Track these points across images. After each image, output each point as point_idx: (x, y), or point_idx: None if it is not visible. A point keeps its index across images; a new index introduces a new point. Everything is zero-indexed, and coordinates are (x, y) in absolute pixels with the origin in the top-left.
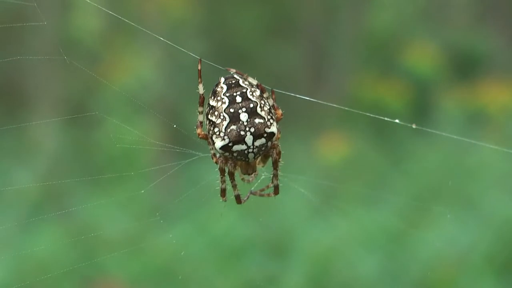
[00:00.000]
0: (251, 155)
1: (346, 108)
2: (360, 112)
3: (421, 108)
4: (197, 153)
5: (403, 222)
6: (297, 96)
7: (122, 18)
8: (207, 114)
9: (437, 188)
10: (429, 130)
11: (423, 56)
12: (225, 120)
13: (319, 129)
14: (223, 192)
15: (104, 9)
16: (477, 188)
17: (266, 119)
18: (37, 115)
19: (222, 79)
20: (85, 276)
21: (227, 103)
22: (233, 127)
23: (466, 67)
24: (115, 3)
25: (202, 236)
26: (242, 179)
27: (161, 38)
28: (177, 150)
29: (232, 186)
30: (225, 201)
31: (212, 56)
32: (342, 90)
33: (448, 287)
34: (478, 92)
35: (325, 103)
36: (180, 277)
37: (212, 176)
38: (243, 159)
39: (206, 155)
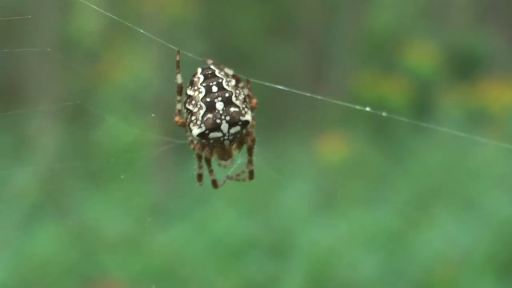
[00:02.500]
0: (226, 142)
1: (339, 102)
2: (346, 105)
3: (421, 107)
4: (174, 140)
5: (403, 222)
6: (293, 91)
7: (118, 19)
8: (184, 103)
9: (437, 188)
10: (407, 120)
11: (423, 56)
12: (202, 109)
13: (318, 128)
14: (199, 177)
15: (101, 10)
16: (478, 188)
17: (241, 108)
18: (36, 114)
19: (199, 70)
20: (85, 276)
21: (203, 93)
22: (209, 115)
23: (466, 67)
24: (115, 1)
25: (202, 235)
26: (219, 164)
27: (154, 37)
28: (158, 137)
29: (209, 171)
30: (201, 185)
31: (212, 56)
32: (342, 89)
33: (449, 287)
34: (478, 92)
35: (319, 97)
36: (179, 278)
37: (193, 156)
38: (219, 145)
39: (182, 141)
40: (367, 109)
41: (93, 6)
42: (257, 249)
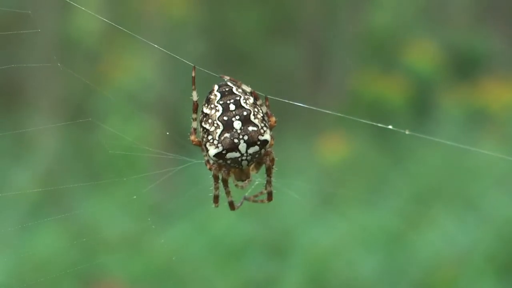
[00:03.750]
0: (244, 162)
1: (339, 114)
2: (352, 118)
3: (421, 107)
4: (190, 159)
5: (403, 222)
6: (291, 102)
7: (117, 26)
8: (200, 122)
9: (437, 188)
10: (423, 136)
11: (423, 56)
12: (219, 127)
13: (318, 129)
14: (216, 198)
15: (99, 17)
16: (477, 188)
17: (260, 127)
18: (36, 114)
19: (216, 87)
20: (85, 276)
21: (220, 111)
22: (227, 135)
23: (466, 67)
24: (116, 3)
25: (202, 236)
26: (236, 185)
27: (155, 45)
28: (170, 157)
29: (226, 193)
30: (217, 207)
31: (212, 56)
32: (342, 89)
33: (449, 287)
34: (478, 92)
35: (318, 109)
36: (179, 278)
37: (210, 176)
38: (237, 166)
39: (199, 161)
40: (390, 127)
41: (91, 12)
42: (257, 249)
